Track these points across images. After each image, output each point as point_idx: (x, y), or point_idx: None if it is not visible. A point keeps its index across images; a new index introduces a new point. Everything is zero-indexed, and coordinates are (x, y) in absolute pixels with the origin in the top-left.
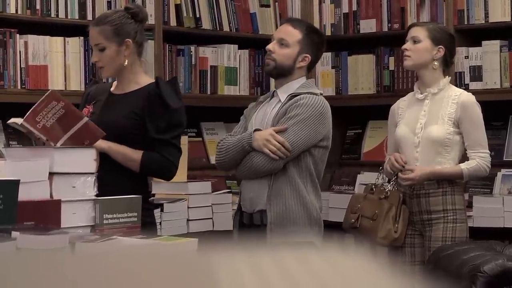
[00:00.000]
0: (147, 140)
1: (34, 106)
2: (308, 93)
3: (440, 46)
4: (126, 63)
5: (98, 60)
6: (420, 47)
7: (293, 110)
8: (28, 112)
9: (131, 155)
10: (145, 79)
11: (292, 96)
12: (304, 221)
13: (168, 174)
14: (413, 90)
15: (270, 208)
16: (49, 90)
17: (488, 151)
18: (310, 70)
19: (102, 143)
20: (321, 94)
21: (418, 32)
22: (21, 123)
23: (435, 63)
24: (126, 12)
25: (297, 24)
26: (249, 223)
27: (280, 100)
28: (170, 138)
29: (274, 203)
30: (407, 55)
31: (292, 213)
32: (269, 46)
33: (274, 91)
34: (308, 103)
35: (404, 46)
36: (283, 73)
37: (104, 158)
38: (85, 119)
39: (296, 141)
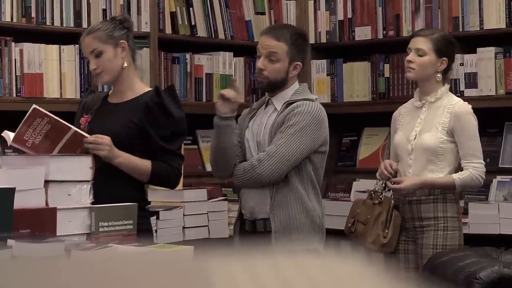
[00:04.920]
0: (150, 148)
1: (19, 127)
2: (304, 99)
3: (444, 58)
4: (125, 64)
5: (96, 66)
6: (425, 60)
7: (291, 119)
8: (15, 133)
9: (141, 166)
10: (141, 86)
11: (288, 103)
12: (307, 228)
13: (174, 183)
14: (408, 97)
15: (274, 218)
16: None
17: (482, 162)
18: (299, 73)
19: (113, 159)
20: (316, 99)
21: (423, 45)
22: (10, 145)
23: (438, 75)
24: (113, 21)
25: (279, 34)
26: (252, 230)
27: (276, 109)
28: (176, 149)
29: (278, 212)
30: (411, 67)
31: (296, 221)
32: (260, 65)
33: (269, 99)
34: (305, 110)
35: (408, 58)
36: (278, 86)
37: (104, 166)
38: (73, 129)
39: (297, 150)
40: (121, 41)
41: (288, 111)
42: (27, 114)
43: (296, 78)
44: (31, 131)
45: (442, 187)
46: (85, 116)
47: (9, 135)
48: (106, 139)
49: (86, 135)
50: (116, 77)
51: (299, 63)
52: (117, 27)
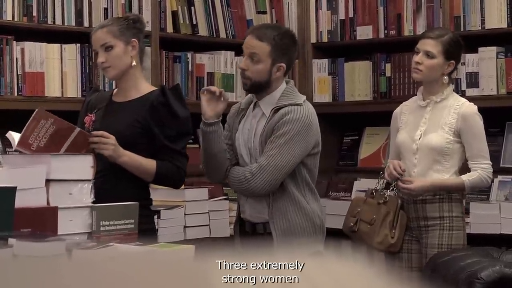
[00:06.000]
0: (155, 147)
1: (24, 130)
2: (291, 104)
3: (452, 61)
4: (134, 63)
5: (105, 60)
6: (433, 63)
7: (281, 128)
8: (19, 137)
9: (146, 166)
10: (146, 86)
11: (276, 109)
12: (309, 232)
13: (179, 183)
14: (409, 97)
15: (274, 226)
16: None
17: (489, 162)
18: (286, 74)
19: (117, 158)
20: (304, 101)
21: (432, 47)
22: (15, 149)
23: (445, 77)
24: (127, 19)
25: (263, 35)
26: (252, 231)
27: (264, 114)
28: (181, 149)
29: (277, 220)
30: (418, 69)
31: (297, 227)
32: (242, 65)
33: (256, 101)
34: (294, 118)
35: (417, 59)
36: (262, 88)
37: (110, 165)
38: (77, 129)
39: (290, 159)
40: (133, 39)
41: (277, 119)
42: (31, 117)
43: (282, 78)
44: (36, 134)
45: (451, 189)
46: (90, 115)
47: (13, 136)
48: (111, 138)
49: (90, 134)
50: (122, 74)
51: (282, 64)
52: (131, 26)
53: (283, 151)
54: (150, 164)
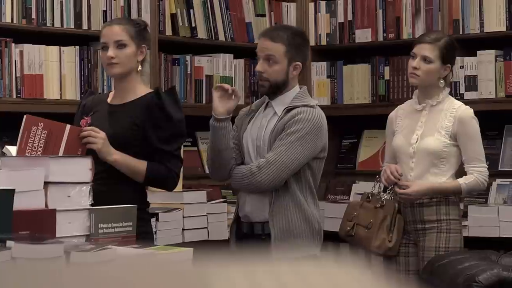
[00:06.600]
0: (149, 149)
1: (18, 143)
2: (304, 105)
3: (448, 65)
4: (139, 68)
5: (114, 56)
6: (431, 68)
7: (292, 126)
8: (16, 151)
9: (136, 166)
10: (143, 89)
11: (289, 109)
12: (307, 235)
13: (171, 185)
14: (408, 99)
15: (273, 224)
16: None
17: (485, 165)
18: (302, 72)
19: (107, 156)
20: (316, 104)
21: (430, 52)
22: None
23: (441, 81)
24: (138, 25)
25: (276, 36)
26: (249, 233)
27: (276, 113)
28: (174, 150)
29: (277, 218)
30: (416, 74)
31: (296, 228)
32: (259, 67)
33: (269, 101)
34: (306, 118)
35: (414, 64)
36: (279, 89)
37: (108, 168)
38: (68, 126)
39: (298, 157)
40: (143, 45)
41: (289, 118)
42: (22, 127)
43: (297, 79)
44: (31, 145)
45: (448, 192)
46: (85, 118)
47: (10, 150)
48: (102, 133)
49: (81, 128)
50: (125, 75)
51: (298, 63)
52: (143, 32)
53: (292, 148)
54: (141, 164)
